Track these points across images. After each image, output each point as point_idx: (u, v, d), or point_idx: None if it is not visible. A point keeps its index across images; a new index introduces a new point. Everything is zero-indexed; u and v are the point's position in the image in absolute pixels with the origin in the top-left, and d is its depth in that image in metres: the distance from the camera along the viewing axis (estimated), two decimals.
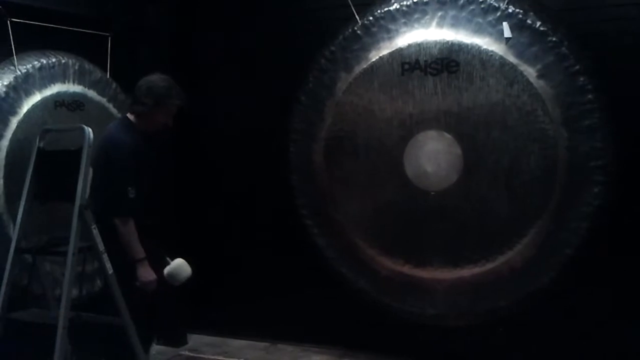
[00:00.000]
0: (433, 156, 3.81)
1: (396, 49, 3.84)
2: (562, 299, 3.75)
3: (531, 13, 3.63)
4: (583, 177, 3.56)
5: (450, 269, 3.82)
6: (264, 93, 4.57)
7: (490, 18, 3.68)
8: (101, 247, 3.66)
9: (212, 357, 4.58)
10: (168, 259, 3.60)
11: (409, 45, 3.81)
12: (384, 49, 3.88)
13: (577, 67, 3.54)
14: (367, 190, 3.97)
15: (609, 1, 3.70)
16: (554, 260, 3.62)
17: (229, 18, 4.73)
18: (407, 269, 3.90)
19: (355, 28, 3.96)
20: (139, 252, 3.37)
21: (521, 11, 3.63)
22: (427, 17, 3.81)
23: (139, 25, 4.78)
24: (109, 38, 4.53)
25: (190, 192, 4.93)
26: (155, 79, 3.48)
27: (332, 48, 4.03)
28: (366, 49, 3.93)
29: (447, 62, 3.72)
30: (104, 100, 4.53)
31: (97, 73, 4.51)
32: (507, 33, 3.64)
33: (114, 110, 4.55)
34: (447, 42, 3.74)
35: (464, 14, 3.73)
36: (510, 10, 3.64)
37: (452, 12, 3.76)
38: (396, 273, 3.93)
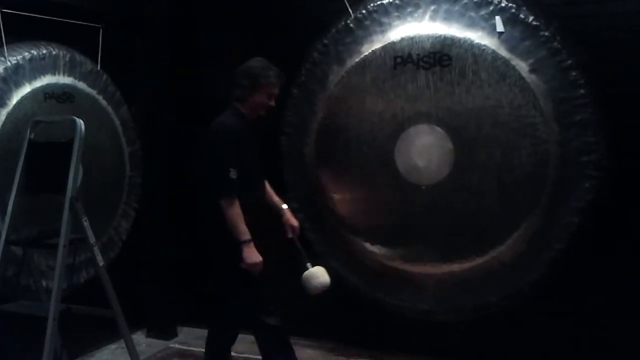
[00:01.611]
0: (424, 150, 3.79)
1: (389, 43, 3.83)
2: (551, 294, 3.75)
3: (524, 7, 3.63)
4: (574, 172, 3.56)
5: (441, 264, 3.82)
6: None
7: (483, 12, 3.68)
8: (92, 239, 3.66)
9: (203, 350, 4.56)
10: (309, 264, 3.53)
11: (402, 39, 3.80)
12: (377, 43, 3.87)
13: (569, 61, 3.55)
14: (358, 184, 3.96)
15: None
16: (545, 256, 3.63)
17: (224, 10, 4.70)
18: (397, 264, 3.90)
19: (348, 21, 3.95)
20: (244, 233, 3.30)
21: (514, 5, 3.63)
22: (420, 10, 3.81)
23: (132, 17, 4.74)
24: (101, 30, 4.51)
25: (184, 185, 4.91)
26: (251, 61, 3.49)
27: (325, 41, 4.01)
28: (359, 42, 3.93)
29: (439, 56, 3.72)
30: (94, 92, 4.51)
31: (88, 65, 4.49)
32: (500, 27, 3.65)
33: (103, 103, 4.54)
34: (440, 36, 3.73)
35: (456, 7, 3.73)
36: (503, 5, 3.64)
37: (445, 6, 3.75)
38: (387, 268, 3.93)
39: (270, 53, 4.39)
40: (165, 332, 4.90)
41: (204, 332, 4.25)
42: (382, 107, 3.84)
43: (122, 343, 4.16)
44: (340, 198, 4.01)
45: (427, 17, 3.79)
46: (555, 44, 3.57)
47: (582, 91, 3.54)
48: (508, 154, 3.63)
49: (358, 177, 3.95)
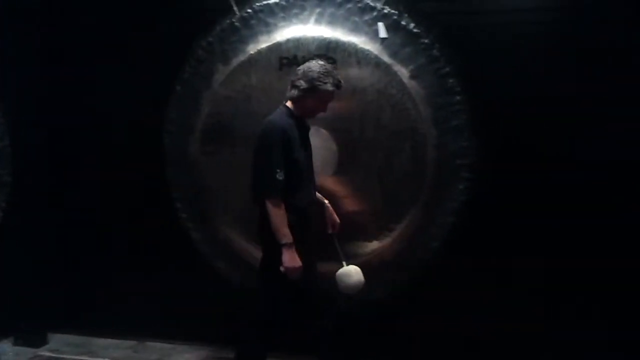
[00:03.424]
0: None
1: (274, 43, 3.84)
2: (429, 290, 3.89)
3: (406, 15, 3.76)
4: (450, 175, 3.74)
5: (322, 263, 3.85)
6: (137, 82, 4.38)
7: (366, 17, 3.77)
8: None
9: (75, 357, 4.36)
10: (344, 262, 3.51)
11: (288, 40, 3.83)
12: (263, 43, 3.87)
13: (447, 69, 3.72)
14: (244, 184, 3.91)
15: (481, 7, 3.89)
16: (423, 253, 3.79)
17: (102, 2, 4.51)
18: None
19: (234, 20, 3.92)
20: (286, 235, 3.22)
21: (396, 12, 3.75)
22: (306, 13, 3.85)
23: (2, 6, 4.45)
24: None
25: (60, 185, 4.67)
26: (313, 64, 3.36)
27: (210, 39, 3.96)
28: (244, 41, 3.91)
29: (324, 58, 3.76)
30: None
31: None
32: (383, 33, 3.75)
33: None
34: (325, 39, 3.79)
35: (341, 11, 3.80)
36: (386, 11, 3.75)
37: (330, 10, 3.81)
38: None
39: (153, 49, 4.34)
40: (34, 339, 4.62)
41: (75, 338, 4.09)
42: (267, 108, 3.81)
43: None
44: (225, 197, 3.97)
45: (312, 19, 3.84)
46: (435, 51, 3.73)
47: (458, 98, 3.72)
48: (389, 156, 3.75)
49: (244, 177, 3.89)
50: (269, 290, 3.42)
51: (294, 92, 3.35)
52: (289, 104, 3.39)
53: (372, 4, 3.77)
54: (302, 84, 3.32)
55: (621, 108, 3.66)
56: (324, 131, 3.81)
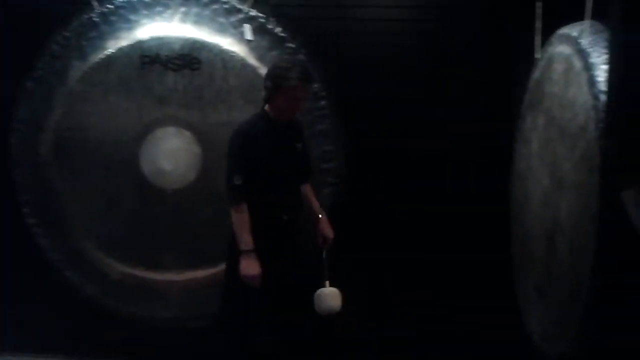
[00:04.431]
0: (171, 154, 3.73)
1: (136, 41, 3.69)
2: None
3: (272, 18, 3.74)
4: (316, 180, 3.72)
5: (185, 270, 3.75)
6: None
7: (233, 19, 3.72)
8: None
9: None
10: (327, 282, 3.26)
11: (150, 38, 3.69)
12: (123, 40, 3.70)
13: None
14: (99, 187, 3.74)
15: (347, 14, 3.95)
16: None
17: None
18: (139, 271, 3.76)
19: (92, 15, 3.73)
20: (245, 243, 3.13)
21: (263, 15, 3.72)
22: (170, 11, 3.73)
23: None
24: None
25: None
26: (276, 61, 3.27)
27: (66, 34, 3.74)
28: (104, 37, 3.72)
29: (189, 59, 3.68)
30: None
31: None
32: (249, 35, 3.72)
33: None
34: (189, 38, 3.69)
35: (207, 12, 3.72)
36: (252, 14, 3.72)
37: (195, 9, 3.72)
38: (127, 276, 3.76)
39: (3, 41, 4.03)
40: None
41: None
42: (127, 107, 3.68)
43: None
44: (79, 202, 3.76)
45: (176, 18, 3.73)
46: (301, 56, 3.73)
47: (322, 102, 3.74)
48: None
49: (99, 179, 3.73)
50: (231, 296, 3.34)
51: (263, 94, 3.24)
52: (266, 107, 3.26)
53: (238, 5, 3.72)
54: (268, 84, 3.20)
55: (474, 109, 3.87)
56: (187, 133, 3.70)
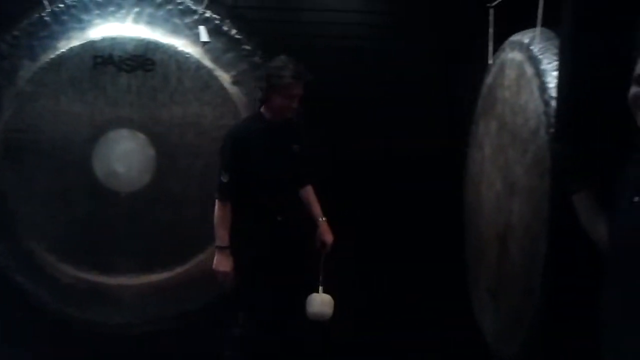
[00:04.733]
0: (125, 156, 3.67)
1: (88, 41, 3.61)
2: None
3: (227, 20, 3.72)
4: None
5: (139, 275, 3.69)
6: None
7: (187, 20, 3.68)
8: None
9: None
10: (321, 287, 3.26)
11: (103, 39, 3.62)
12: (75, 40, 3.62)
13: None
14: (50, 190, 3.64)
15: (303, 17, 4.00)
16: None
17: None
18: (92, 276, 3.68)
19: (43, 14, 3.63)
20: (220, 239, 3.22)
21: (218, 17, 3.70)
22: (123, 11, 3.67)
23: None
24: None
25: None
26: (271, 61, 3.24)
27: (16, 33, 3.64)
28: (55, 37, 3.63)
29: (142, 60, 3.63)
30: None
31: None
32: (204, 37, 3.69)
33: None
34: (143, 39, 3.64)
35: (160, 12, 3.67)
36: (207, 15, 3.68)
37: (148, 10, 3.67)
38: (80, 280, 3.68)
39: None
40: None
41: None
42: (79, 109, 3.61)
43: None
44: (28, 205, 3.65)
45: (130, 18, 3.67)
46: (257, 58, 3.72)
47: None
48: (211, 163, 3.66)
49: (51, 182, 3.63)
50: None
51: (259, 95, 3.28)
52: (262, 108, 3.27)
53: (193, 7, 3.68)
54: (262, 84, 3.22)
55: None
56: (141, 135, 3.65)
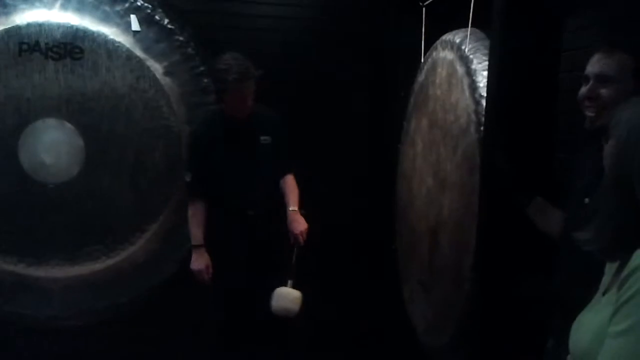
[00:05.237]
0: (52, 146, 3.56)
1: (13, 27, 3.47)
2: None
3: (159, 9, 3.65)
4: None
5: (69, 267, 3.60)
6: None
7: (118, 8, 3.60)
8: None
9: None
10: (290, 282, 3.12)
11: (28, 25, 3.48)
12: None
13: (202, 68, 3.68)
14: None
15: (236, 8, 3.95)
16: (177, 255, 3.68)
17: None
18: (20, 268, 3.56)
19: None
20: (195, 238, 3.24)
21: (150, 6, 3.63)
22: None
23: None
24: None
25: None
26: (217, 60, 3.16)
27: None
28: None
29: (70, 47, 3.52)
30: None
31: None
32: (135, 26, 3.61)
33: None
34: (72, 26, 3.53)
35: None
36: (139, 4, 3.61)
37: None
38: (7, 273, 3.56)
39: None
40: None
41: None
42: (3, 98, 3.47)
43: None
44: None
45: (58, 4, 3.54)
46: (190, 49, 3.68)
47: (212, 97, 3.67)
48: (141, 154, 3.63)
49: None
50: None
51: (214, 95, 3.30)
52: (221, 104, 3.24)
53: None
54: (214, 85, 3.24)
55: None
56: (69, 125, 3.55)
